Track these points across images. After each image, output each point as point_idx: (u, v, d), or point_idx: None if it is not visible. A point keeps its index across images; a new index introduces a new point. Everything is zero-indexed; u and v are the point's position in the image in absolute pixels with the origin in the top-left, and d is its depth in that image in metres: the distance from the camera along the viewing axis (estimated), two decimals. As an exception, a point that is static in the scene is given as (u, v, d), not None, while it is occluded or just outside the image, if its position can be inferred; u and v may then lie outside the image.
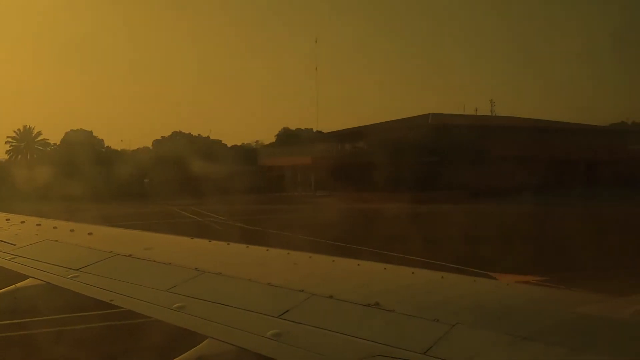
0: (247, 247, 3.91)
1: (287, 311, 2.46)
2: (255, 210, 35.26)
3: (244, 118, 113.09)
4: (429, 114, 54.43)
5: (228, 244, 4.06)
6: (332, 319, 2.38)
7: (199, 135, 70.40)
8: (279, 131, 77.13)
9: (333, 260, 3.47)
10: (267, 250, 3.82)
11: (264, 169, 53.73)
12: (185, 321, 2.57)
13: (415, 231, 19.67)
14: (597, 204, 34.34)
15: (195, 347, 2.40)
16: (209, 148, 53.91)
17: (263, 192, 48.88)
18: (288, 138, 67.89)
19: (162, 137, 72.81)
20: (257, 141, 72.77)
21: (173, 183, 38.10)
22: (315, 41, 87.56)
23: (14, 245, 4.07)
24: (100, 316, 7.69)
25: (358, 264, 3.34)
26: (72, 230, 4.46)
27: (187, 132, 71.08)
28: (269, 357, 2.19)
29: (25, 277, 3.41)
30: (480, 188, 40.75)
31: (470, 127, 49.86)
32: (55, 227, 4.62)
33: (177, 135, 69.05)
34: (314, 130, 65.82)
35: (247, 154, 59.89)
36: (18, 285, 3.36)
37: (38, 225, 4.74)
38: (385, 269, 3.23)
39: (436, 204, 34.06)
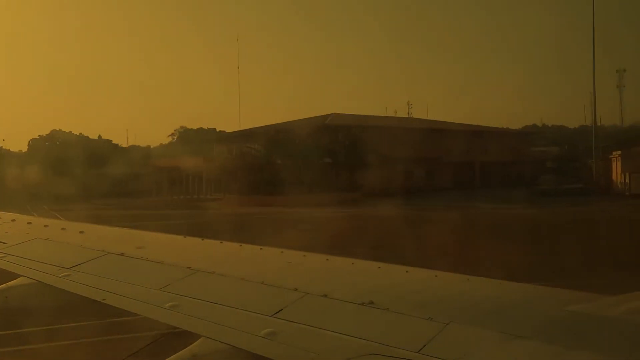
0: (241, 245, 3.87)
1: (280, 310, 2.45)
2: (115, 215, 32.59)
3: (154, 118, 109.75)
4: (330, 114, 53.66)
5: (221, 242, 4.00)
6: (326, 318, 2.38)
7: (80, 134, 64.49)
8: (175, 130, 74.31)
9: (327, 259, 3.43)
10: (261, 249, 3.76)
11: (158, 171, 50.85)
12: (179, 320, 2.55)
13: (270, 236, 18.45)
14: (475, 204, 34.57)
15: (189, 346, 2.37)
16: (96, 148, 50.33)
17: (147, 195, 46.29)
18: (188, 138, 65.30)
19: (39, 136, 65.73)
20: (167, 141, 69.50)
21: (37, 186, 34.99)
22: (237, 40, 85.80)
23: (5, 243, 3.99)
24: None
25: (352, 263, 3.31)
26: (63, 229, 4.42)
27: (67, 130, 64.39)
28: (262, 355, 2.18)
29: (17, 275, 3.37)
30: (374, 189, 40.33)
31: (369, 128, 49.46)
32: (46, 226, 4.53)
33: (56, 134, 62.87)
34: (217, 130, 63.88)
35: (142, 154, 56.81)
36: (9, 284, 3.31)
37: (29, 223, 4.67)
38: (379, 267, 3.20)
39: (320, 207, 32.97)
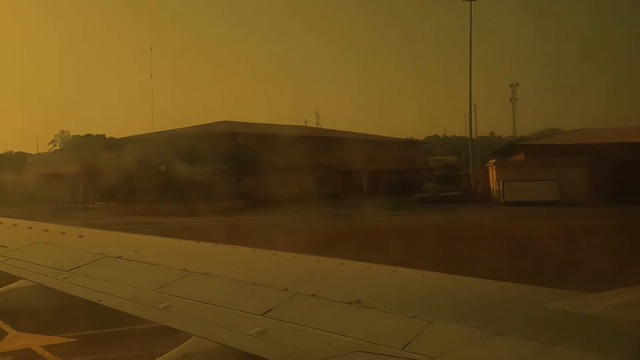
0: (234, 248, 3.94)
1: (271, 309, 2.51)
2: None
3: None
4: (222, 121, 52.80)
5: (215, 245, 4.04)
6: (315, 317, 2.44)
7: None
8: (55, 136, 70.36)
9: (317, 260, 3.49)
10: (254, 251, 3.86)
11: (36, 179, 47.51)
12: (172, 320, 2.61)
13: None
14: (347, 211, 34.83)
15: (180, 346, 2.40)
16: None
17: (19, 205, 43.22)
18: (74, 144, 62.07)
19: None
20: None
21: None
22: (151, 48, 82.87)
23: (6, 247, 4.08)
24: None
25: (341, 264, 3.36)
26: (63, 233, 4.50)
27: None
28: (253, 354, 2.22)
29: (17, 278, 3.43)
30: (261, 198, 39.80)
31: (261, 135, 49.01)
32: (46, 230, 4.60)
33: None
34: (107, 136, 61.10)
35: (20, 161, 53.19)
36: (10, 286, 3.37)
37: (30, 228, 4.77)
38: (367, 268, 3.26)
39: (196, 216, 31.96)
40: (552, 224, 27.96)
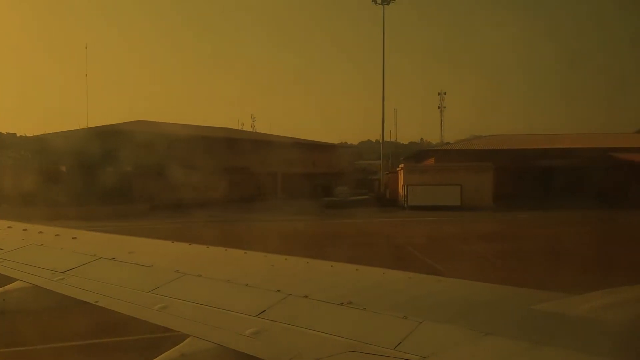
0: (226, 250, 3.99)
1: (264, 310, 2.56)
2: None
3: None
4: (136, 120, 51.37)
5: (208, 247, 4.08)
6: (307, 318, 2.48)
7: None
8: None
9: (308, 262, 3.53)
10: (245, 252, 3.87)
11: None
12: (168, 321, 2.65)
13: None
14: (247, 216, 34.45)
15: (178, 346, 2.44)
16: None
17: None
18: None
19: None
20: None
21: None
22: (86, 47, 79.70)
23: (2, 249, 4.12)
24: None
25: (331, 265, 3.44)
26: (57, 235, 4.57)
27: None
28: (248, 353, 2.25)
29: (13, 280, 3.48)
30: (166, 200, 38.79)
31: (174, 136, 47.87)
32: (41, 232, 4.64)
33: None
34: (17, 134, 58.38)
35: None
36: (6, 287, 3.41)
37: (24, 230, 4.79)
38: (357, 270, 3.30)
39: (87, 221, 30.67)
40: (431, 230, 28.36)
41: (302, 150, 57.96)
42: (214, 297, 2.82)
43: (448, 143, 74.36)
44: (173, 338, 2.54)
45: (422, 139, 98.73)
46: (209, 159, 41.85)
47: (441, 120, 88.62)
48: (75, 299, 3.13)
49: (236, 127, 68.91)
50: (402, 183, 45.02)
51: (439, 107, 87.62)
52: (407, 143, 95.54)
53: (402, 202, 43.97)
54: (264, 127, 76.52)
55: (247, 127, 75.35)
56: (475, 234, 26.18)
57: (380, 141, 61.62)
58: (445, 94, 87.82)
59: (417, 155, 58.98)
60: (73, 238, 4.36)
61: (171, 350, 2.43)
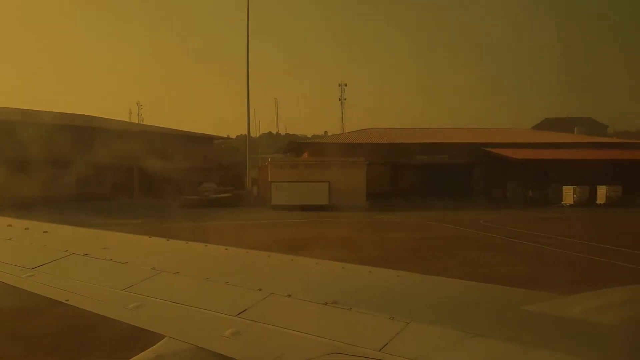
0: (206, 246, 3.87)
1: (245, 310, 2.46)
2: None
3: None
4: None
5: (186, 242, 3.96)
6: (290, 318, 2.40)
7: None
8: None
9: (292, 260, 3.47)
10: (226, 249, 3.77)
11: None
12: (143, 320, 2.55)
13: None
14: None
15: (153, 347, 2.38)
16: None
17: None
18: None
19: None
20: None
21: None
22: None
23: None
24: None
25: (316, 263, 3.34)
26: (27, 229, 4.36)
27: None
28: (226, 355, 2.18)
29: None
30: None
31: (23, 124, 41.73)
32: (9, 225, 4.47)
33: None
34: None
35: None
36: None
37: None
38: (342, 268, 3.25)
39: None
40: (270, 236, 24.61)
41: (172, 143, 52.73)
42: (192, 296, 2.71)
43: (326, 135, 72.18)
44: (148, 338, 2.43)
45: (325, 132, 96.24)
46: (54, 152, 36.37)
47: (342, 112, 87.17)
48: (45, 297, 2.96)
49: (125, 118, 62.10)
50: (268, 179, 41.00)
51: (339, 99, 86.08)
52: (310, 136, 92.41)
53: (269, 200, 40.09)
54: (152, 119, 70.63)
55: (134, 118, 68.95)
56: (286, 238, 22.55)
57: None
58: (346, 85, 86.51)
59: (290, 147, 55.23)
60: (44, 232, 4.15)
61: (146, 351, 2.36)
